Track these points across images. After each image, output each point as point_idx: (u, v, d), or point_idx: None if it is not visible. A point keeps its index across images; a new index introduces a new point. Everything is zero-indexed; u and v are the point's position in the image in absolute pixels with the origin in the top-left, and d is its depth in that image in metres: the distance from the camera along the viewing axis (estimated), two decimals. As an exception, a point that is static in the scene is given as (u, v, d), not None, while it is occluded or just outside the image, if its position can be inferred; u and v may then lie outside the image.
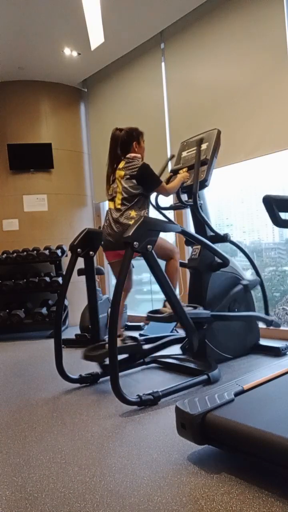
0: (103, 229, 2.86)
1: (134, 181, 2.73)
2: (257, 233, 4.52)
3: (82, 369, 2.96)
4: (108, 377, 2.45)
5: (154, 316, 2.82)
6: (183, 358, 3.20)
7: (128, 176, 2.74)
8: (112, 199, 2.83)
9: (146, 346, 3.21)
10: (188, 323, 2.61)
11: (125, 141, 2.85)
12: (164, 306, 2.90)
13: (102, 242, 2.89)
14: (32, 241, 5.46)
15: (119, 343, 2.80)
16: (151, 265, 2.46)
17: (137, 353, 3.11)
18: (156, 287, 3.12)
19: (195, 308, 2.89)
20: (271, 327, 3.29)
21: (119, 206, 2.75)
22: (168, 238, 2.97)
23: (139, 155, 2.86)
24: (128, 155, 2.83)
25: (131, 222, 2.64)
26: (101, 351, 2.69)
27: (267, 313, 3.41)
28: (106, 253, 2.91)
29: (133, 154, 2.84)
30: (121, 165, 2.82)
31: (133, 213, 2.71)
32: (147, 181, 2.75)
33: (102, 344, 2.80)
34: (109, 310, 3.19)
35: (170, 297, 2.58)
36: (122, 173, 2.78)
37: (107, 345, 2.65)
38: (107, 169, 2.93)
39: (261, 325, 3.39)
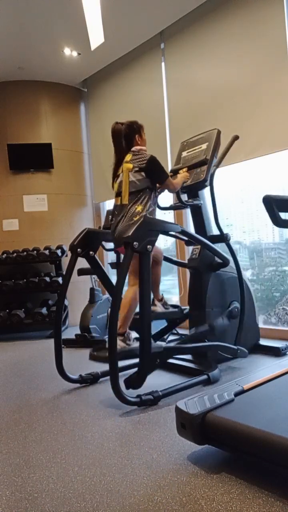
0: (111, 225, 2.83)
1: (143, 173, 2.69)
2: (257, 233, 4.52)
3: (82, 369, 2.96)
4: (108, 377, 2.44)
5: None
6: (183, 358, 3.20)
7: (137, 169, 2.70)
8: (119, 194, 2.79)
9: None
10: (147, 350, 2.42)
11: (127, 134, 2.83)
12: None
13: (113, 239, 2.81)
14: (32, 241, 5.45)
15: (161, 308, 2.86)
16: (144, 265, 2.40)
17: (179, 318, 3.12)
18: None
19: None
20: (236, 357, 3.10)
21: (126, 202, 2.72)
22: (168, 238, 2.97)
23: (144, 148, 2.85)
24: (133, 148, 2.81)
25: (135, 218, 2.62)
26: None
27: (236, 342, 3.14)
28: (120, 249, 2.79)
29: (138, 147, 2.82)
30: (128, 158, 2.78)
31: (139, 208, 2.67)
32: (155, 173, 2.73)
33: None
34: (109, 310, 3.20)
35: (143, 305, 2.41)
36: (131, 166, 2.73)
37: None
38: (114, 164, 2.90)
39: (261, 325, 3.38)
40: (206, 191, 3.22)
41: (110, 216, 2.88)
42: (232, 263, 3.11)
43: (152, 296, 2.76)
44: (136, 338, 2.70)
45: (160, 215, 3.38)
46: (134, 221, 2.60)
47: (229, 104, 4.02)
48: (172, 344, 2.85)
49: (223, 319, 3.02)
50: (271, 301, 4.31)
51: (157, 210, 3.01)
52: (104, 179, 5.59)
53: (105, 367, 2.88)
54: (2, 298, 5.25)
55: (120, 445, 1.90)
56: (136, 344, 2.63)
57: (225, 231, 3.11)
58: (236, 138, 3.09)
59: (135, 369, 3.16)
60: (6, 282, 5.00)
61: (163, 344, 2.67)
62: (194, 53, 4.33)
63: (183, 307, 3.13)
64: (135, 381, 2.42)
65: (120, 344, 2.58)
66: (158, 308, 2.94)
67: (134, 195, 2.70)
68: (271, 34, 3.64)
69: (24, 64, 5.09)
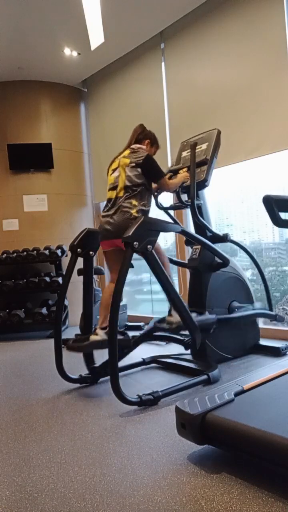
0: (101, 218, 2.82)
1: (139, 169, 2.70)
2: (257, 233, 4.52)
3: (82, 369, 2.96)
4: (108, 377, 2.45)
5: (162, 327, 2.80)
6: (183, 358, 3.20)
7: (133, 164, 2.71)
8: (113, 188, 2.78)
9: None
10: (194, 327, 2.63)
11: (140, 133, 2.90)
12: (170, 314, 2.82)
13: (100, 232, 2.81)
14: (32, 241, 5.45)
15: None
16: (153, 265, 2.45)
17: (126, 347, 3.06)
18: (156, 287, 3.11)
19: (199, 313, 2.88)
20: (276, 322, 3.38)
21: (121, 195, 2.71)
22: (168, 238, 2.97)
23: (144, 147, 2.86)
24: (133, 146, 2.83)
25: (132, 211, 2.63)
26: (86, 342, 2.67)
27: (271, 309, 3.43)
28: (102, 243, 2.82)
29: (138, 145, 2.84)
30: (126, 153, 2.80)
31: (134, 202, 2.67)
32: (151, 171, 2.74)
33: (87, 336, 2.76)
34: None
35: (174, 299, 2.58)
36: (127, 160, 2.74)
37: (92, 336, 2.69)
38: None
39: (261, 325, 3.39)
40: (206, 191, 3.22)
41: (103, 209, 2.86)
42: (236, 259, 3.15)
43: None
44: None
45: (160, 215, 3.38)
46: (133, 216, 2.60)
47: (229, 104, 4.02)
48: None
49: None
50: (271, 301, 4.30)
51: (157, 210, 3.02)
52: (104, 179, 5.59)
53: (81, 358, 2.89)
54: (2, 298, 5.25)
55: (120, 445, 1.90)
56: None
57: (225, 231, 3.12)
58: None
59: (135, 369, 3.18)
60: (6, 282, 5.00)
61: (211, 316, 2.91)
62: (194, 53, 4.33)
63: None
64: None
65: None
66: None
67: (130, 189, 2.69)
68: (271, 34, 3.64)
69: (24, 64, 5.09)
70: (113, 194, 2.76)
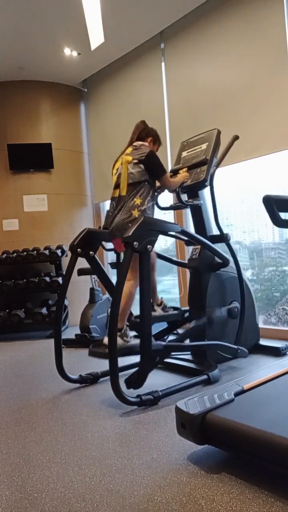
0: (107, 217, 2.84)
1: (141, 165, 2.70)
2: (257, 233, 4.52)
3: (82, 369, 2.96)
4: (108, 377, 2.44)
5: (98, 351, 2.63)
6: (183, 358, 3.20)
7: (136, 161, 2.71)
8: (117, 186, 2.80)
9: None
10: (147, 349, 2.40)
11: (143, 131, 2.90)
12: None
13: (108, 232, 2.82)
14: (32, 241, 5.45)
15: (160, 311, 2.85)
16: (144, 265, 2.39)
17: (180, 320, 3.12)
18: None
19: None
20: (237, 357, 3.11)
21: (124, 193, 2.72)
22: (168, 238, 2.97)
23: (146, 144, 2.86)
24: (135, 143, 2.84)
25: (133, 212, 2.64)
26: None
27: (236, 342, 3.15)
28: (115, 241, 2.82)
29: (140, 142, 2.84)
30: (128, 150, 2.81)
31: (138, 201, 2.68)
32: (153, 168, 2.74)
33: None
34: (109, 310, 3.20)
35: (143, 308, 2.39)
36: (130, 158, 2.75)
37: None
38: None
39: (261, 325, 3.38)
40: (206, 191, 3.22)
41: (109, 208, 2.87)
42: (232, 263, 3.11)
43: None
44: (134, 336, 2.70)
45: (160, 215, 3.39)
46: (133, 217, 2.61)
47: (229, 104, 4.02)
48: (172, 343, 2.85)
49: (216, 318, 3.03)
50: (271, 301, 4.31)
51: (157, 210, 3.02)
52: (104, 179, 5.60)
53: (104, 365, 2.88)
54: (2, 298, 5.25)
55: (120, 445, 1.90)
56: (134, 341, 2.63)
57: (225, 231, 3.11)
58: (236, 138, 3.11)
59: (135, 369, 3.17)
60: (6, 282, 5.00)
61: (163, 342, 2.67)
62: (194, 53, 4.33)
63: (183, 309, 3.14)
64: (135, 381, 2.42)
65: (118, 341, 2.58)
66: (157, 312, 2.94)
67: (133, 187, 2.70)
68: (271, 34, 3.64)
69: (24, 64, 5.09)
70: (117, 192, 2.78)
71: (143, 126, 2.93)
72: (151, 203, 2.76)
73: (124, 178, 2.73)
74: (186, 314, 3.15)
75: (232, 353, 3.00)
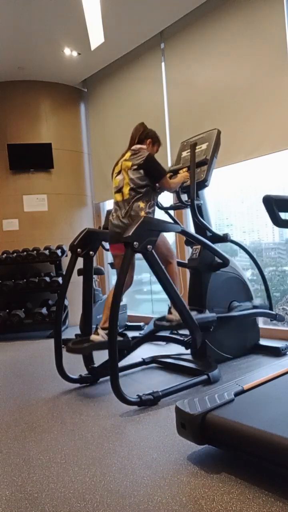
0: (110, 221, 2.85)
1: (141, 171, 2.71)
2: (257, 233, 4.52)
3: (82, 369, 2.96)
4: (108, 377, 2.45)
5: (162, 324, 2.80)
6: (183, 358, 3.20)
7: (135, 167, 2.73)
8: (119, 191, 2.81)
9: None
10: (194, 325, 2.62)
11: (142, 133, 2.89)
12: (170, 312, 2.84)
13: (109, 234, 2.86)
14: (32, 241, 5.45)
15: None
16: (152, 265, 2.46)
17: (126, 349, 3.07)
18: (156, 287, 3.11)
19: (199, 311, 2.88)
20: (276, 321, 3.40)
21: (127, 197, 2.73)
22: (168, 238, 2.96)
23: (144, 147, 2.86)
24: (133, 147, 2.84)
25: (141, 214, 2.65)
26: (86, 343, 2.67)
27: (271, 308, 3.42)
28: (112, 246, 2.89)
29: (138, 146, 2.84)
30: (127, 156, 2.82)
31: (142, 204, 2.70)
32: (152, 171, 2.74)
33: (86, 338, 2.76)
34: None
35: (174, 299, 2.57)
36: (129, 163, 2.76)
37: (93, 335, 2.69)
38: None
39: (261, 325, 3.40)
40: (206, 191, 3.22)
41: (112, 212, 2.88)
42: (236, 259, 3.16)
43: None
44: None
45: (160, 215, 3.39)
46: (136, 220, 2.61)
47: (229, 104, 4.02)
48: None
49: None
50: (271, 301, 4.30)
51: (157, 210, 3.02)
52: (104, 179, 5.60)
53: (103, 359, 2.89)
54: (2, 298, 5.25)
55: (120, 445, 1.90)
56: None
57: (225, 231, 3.12)
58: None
59: (135, 369, 3.18)
60: (6, 282, 5.00)
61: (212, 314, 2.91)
62: (194, 53, 4.33)
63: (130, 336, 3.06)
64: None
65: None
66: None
67: (135, 191, 2.72)
68: (271, 34, 3.64)
69: (24, 64, 5.09)
70: (120, 197, 2.79)
71: (142, 128, 2.92)
72: (154, 207, 2.79)
73: (126, 183, 2.75)
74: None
75: (272, 316, 3.36)
